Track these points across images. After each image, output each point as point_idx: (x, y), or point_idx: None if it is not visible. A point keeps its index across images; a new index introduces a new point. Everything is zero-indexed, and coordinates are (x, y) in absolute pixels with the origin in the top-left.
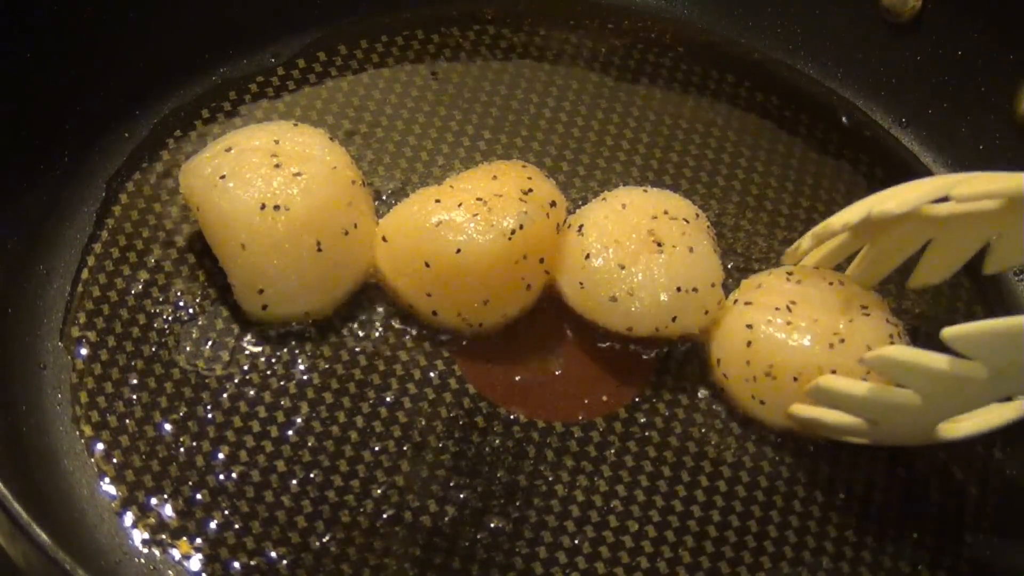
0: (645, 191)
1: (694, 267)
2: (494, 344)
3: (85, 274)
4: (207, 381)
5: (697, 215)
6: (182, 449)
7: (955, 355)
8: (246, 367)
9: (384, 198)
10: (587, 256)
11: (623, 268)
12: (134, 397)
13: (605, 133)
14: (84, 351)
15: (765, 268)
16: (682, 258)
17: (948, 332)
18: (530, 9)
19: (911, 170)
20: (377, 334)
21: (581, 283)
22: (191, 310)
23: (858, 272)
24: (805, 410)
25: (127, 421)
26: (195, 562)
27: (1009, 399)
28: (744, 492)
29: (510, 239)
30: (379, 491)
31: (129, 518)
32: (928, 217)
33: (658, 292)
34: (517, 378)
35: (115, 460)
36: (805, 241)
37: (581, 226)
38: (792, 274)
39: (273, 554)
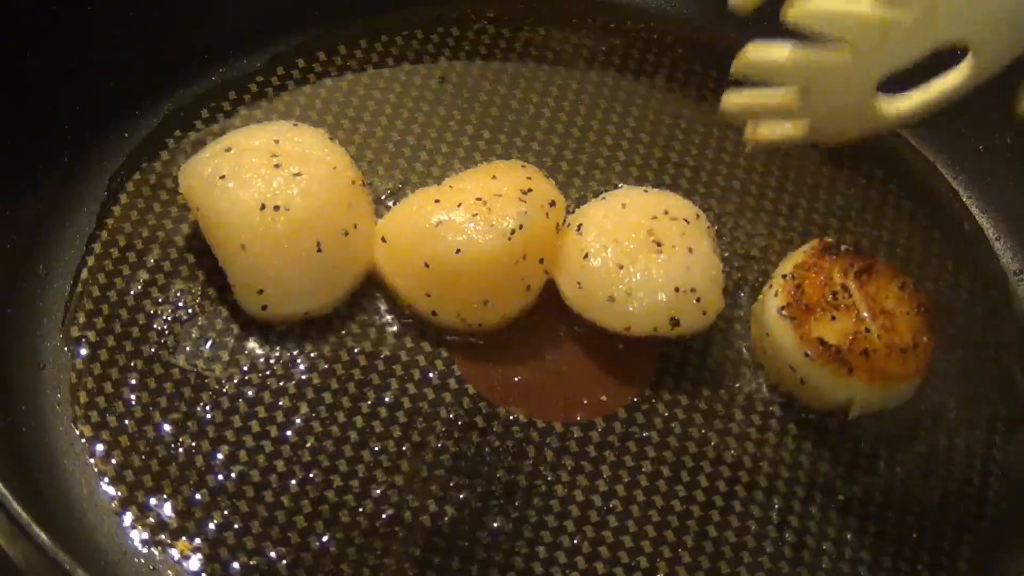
0: (645, 191)
1: (693, 268)
2: (494, 344)
3: (85, 274)
4: (207, 381)
5: (698, 215)
6: (181, 449)
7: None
8: (246, 367)
9: (384, 198)
10: (585, 255)
11: (621, 268)
12: (134, 397)
13: (605, 133)
14: (84, 351)
15: (765, 268)
16: (681, 258)
17: None
18: (530, 9)
19: (911, 170)
20: (377, 334)
21: (579, 283)
22: (191, 310)
23: None
24: (737, 97)
25: (127, 421)
26: (195, 562)
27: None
28: (744, 492)
29: (510, 239)
30: (379, 491)
31: (129, 518)
32: None
33: (656, 292)
34: (517, 378)
35: (115, 460)
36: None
37: (580, 225)
38: None
39: (273, 554)
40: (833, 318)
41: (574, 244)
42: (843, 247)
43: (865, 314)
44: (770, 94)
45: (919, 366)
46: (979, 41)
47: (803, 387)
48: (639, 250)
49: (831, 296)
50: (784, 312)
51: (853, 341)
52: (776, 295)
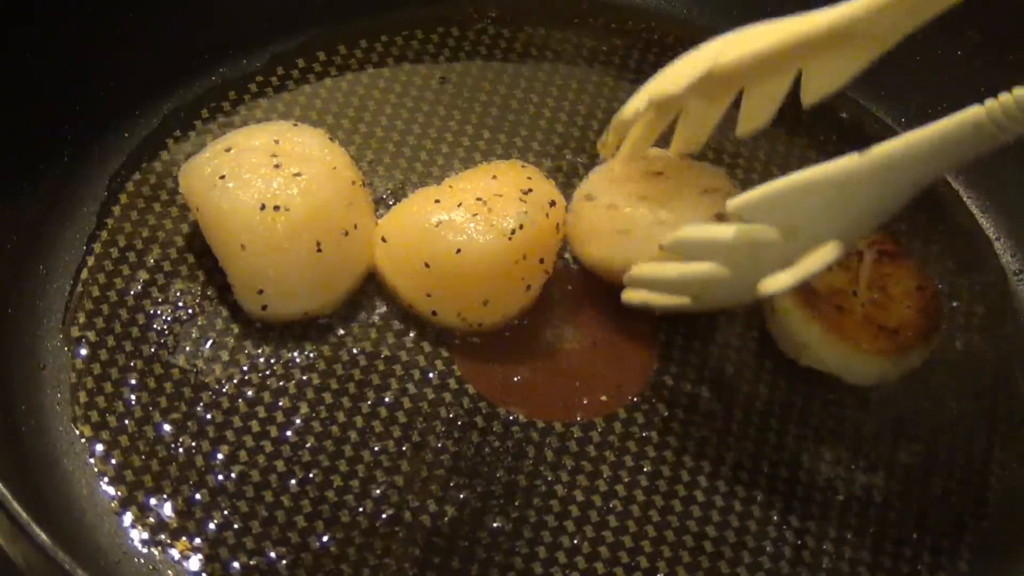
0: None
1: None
2: (494, 344)
3: (85, 274)
4: (207, 381)
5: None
6: (181, 449)
7: (743, 223)
8: (246, 367)
9: (384, 198)
10: (588, 197)
11: (629, 208)
12: (133, 397)
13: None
14: (84, 351)
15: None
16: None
17: (731, 203)
18: (530, 9)
19: None
20: (377, 334)
21: (619, 231)
22: (191, 310)
23: (680, 143)
24: (633, 296)
25: (126, 421)
26: (195, 562)
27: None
28: (744, 492)
29: (510, 239)
30: (379, 491)
31: (128, 518)
32: (724, 74)
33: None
34: (517, 378)
35: (114, 460)
36: (609, 136)
37: (588, 195)
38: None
39: (273, 554)
40: (830, 269)
41: (593, 211)
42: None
43: (862, 282)
44: (663, 298)
45: (888, 348)
46: (843, 238)
47: (773, 316)
48: (645, 194)
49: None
50: None
51: (834, 294)
52: None
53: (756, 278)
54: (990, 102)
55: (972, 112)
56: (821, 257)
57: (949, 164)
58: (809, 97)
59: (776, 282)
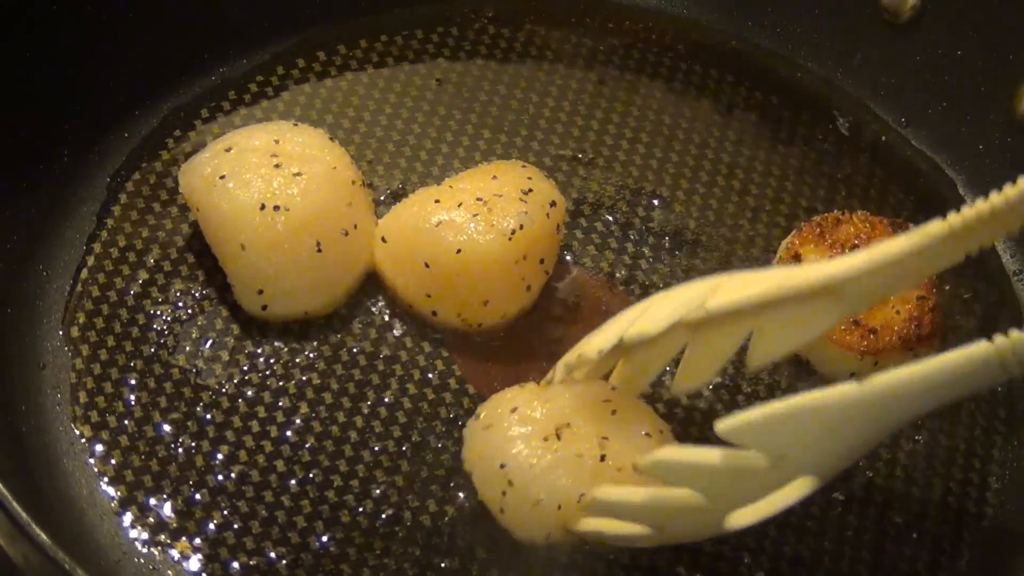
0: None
1: None
2: (494, 344)
3: (84, 274)
4: (207, 381)
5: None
6: (181, 449)
7: (730, 447)
8: (246, 367)
9: (384, 198)
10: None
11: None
12: (133, 397)
13: (605, 133)
14: (84, 351)
15: (763, 267)
16: None
17: (720, 425)
18: (530, 9)
19: (911, 170)
20: (377, 334)
21: None
22: (191, 310)
23: (620, 383)
24: (588, 524)
25: (126, 421)
26: (194, 562)
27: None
28: None
29: (510, 239)
30: (379, 491)
31: (128, 518)
32: (681, 325)
33: None
34: (517, 378)
35: (114, 460)
36: (558, 373)
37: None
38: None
39: (273, 554)
40: (832, 257)
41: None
42: (910, 226)
43: None
44: (622, 526)
45: (861, 347)
46: (820, 473)
47: None
48: None
49: (850, 246)
50: (797, 235)
51: None
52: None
53: (727, 509)
54: (999, 339)
55: (980, 348)
56: (792, 493)
57: (950, 398)
58: (757, 361)
59: (742, 518)
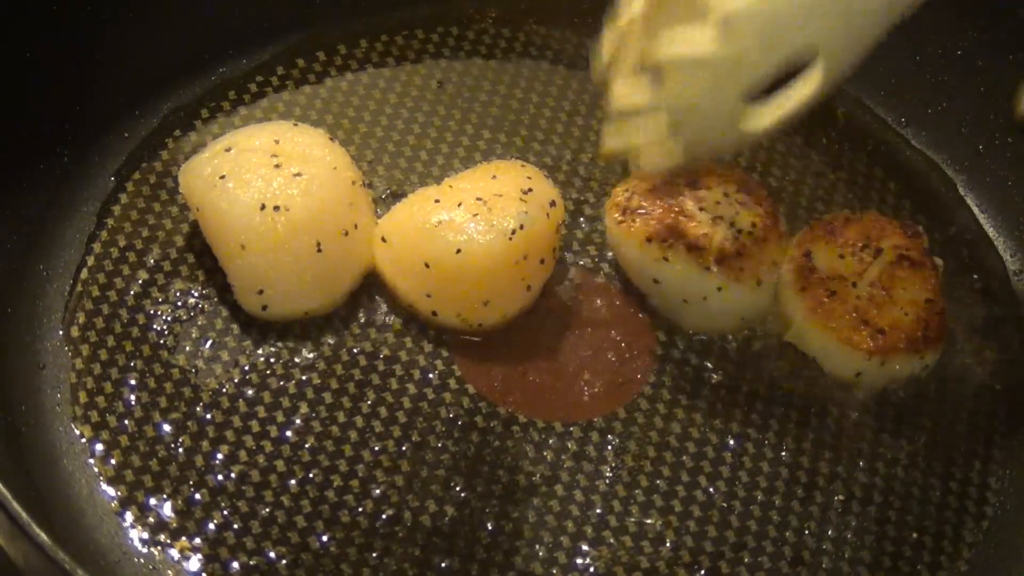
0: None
1: None
2: (494, 344)
3: (84, 274)
4: (207, 381)
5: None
6: (181, 449)
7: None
8: (246, 367)
9: (384, 198)
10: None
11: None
12: (133, 397)
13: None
14: (84, 351)
15: None
16: None
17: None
18: (530, 9)
19: (912, 170)
20: (377, 334)
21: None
22: (191, 310)
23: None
24: (613, 140)
25: (126, 421)
26: (194, 562)
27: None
28: (744, 492)
29: (510, 239)
30: (379, 491)
31: (128, 518)
32: None
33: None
34: (517, 378)
35: (114, 460)
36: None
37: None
38: None
39: (272, 554)
40: (842, 256)
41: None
42: (920, 229)
43: (867, 277)
44: (643, 129)
45: (869, 347)
46: (826, 46)
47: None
48: None
49: (861, 245)
50: (808, 232)
51: (833, 278)
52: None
53: (736, 102)
54: None
55: None
56: (807, 86)
57: None
58: None
59: (761, 117)
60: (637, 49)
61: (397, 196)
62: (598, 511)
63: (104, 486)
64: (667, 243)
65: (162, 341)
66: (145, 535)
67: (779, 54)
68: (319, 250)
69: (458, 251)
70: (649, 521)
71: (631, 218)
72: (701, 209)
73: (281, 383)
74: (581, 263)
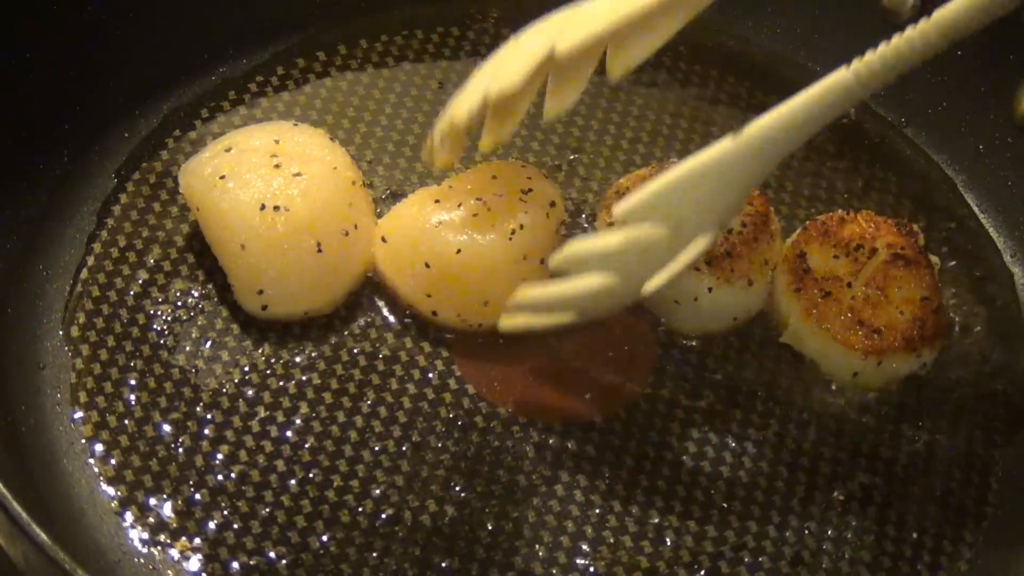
0: None
1: None
2: (494, 344)
3: (84, 274)
4: (207, 381)
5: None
6: (181, 449)
7: (630, 227)
8: (246, 367)
9: (384, 198)
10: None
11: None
12: (133, 397)
13: (605, 133)
14: (84, 351)
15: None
16: None
17: (616, 209)
18: (530, 9)
19: (911, 170)
20: (377, 334)
21: None
22: (191, 310)
23: (489, 138)
24: (512, 322)
25: (126, 421)
26: (194, 562)
27: None
28: (743, 492)
29: (510, 239)
30: (379, 491)
31: (128, 518)
32: (565, 61)
33: None
34: (517, 378)
35: (114, 460)
36: (436, 141)
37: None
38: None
39: (272, 554)
40: (836, 257)
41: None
42: (915, 227)
43: (862, 277)
44: (546, 318)
45: (865, 347)
46: (722, 218)
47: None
48: None
49: (855, 245)
50: (802, 233)
51: (828, 279)
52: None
53: (642, 280)
54: (856, 63)
55: (840, 75)
56: (695, 248)
57: (818, 128)
58: (618, 71)
59: (655, 282)
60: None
61: (397, 196)
62: (598, 511)
63: (104, 486)
64: None
65: (162, 341)
66: (145, 535)
67: (681, 243)
68: (319, 250)
69: (458, 251)
70: (649, 521)
71: None
72: None
73: (281, 383)
74: None
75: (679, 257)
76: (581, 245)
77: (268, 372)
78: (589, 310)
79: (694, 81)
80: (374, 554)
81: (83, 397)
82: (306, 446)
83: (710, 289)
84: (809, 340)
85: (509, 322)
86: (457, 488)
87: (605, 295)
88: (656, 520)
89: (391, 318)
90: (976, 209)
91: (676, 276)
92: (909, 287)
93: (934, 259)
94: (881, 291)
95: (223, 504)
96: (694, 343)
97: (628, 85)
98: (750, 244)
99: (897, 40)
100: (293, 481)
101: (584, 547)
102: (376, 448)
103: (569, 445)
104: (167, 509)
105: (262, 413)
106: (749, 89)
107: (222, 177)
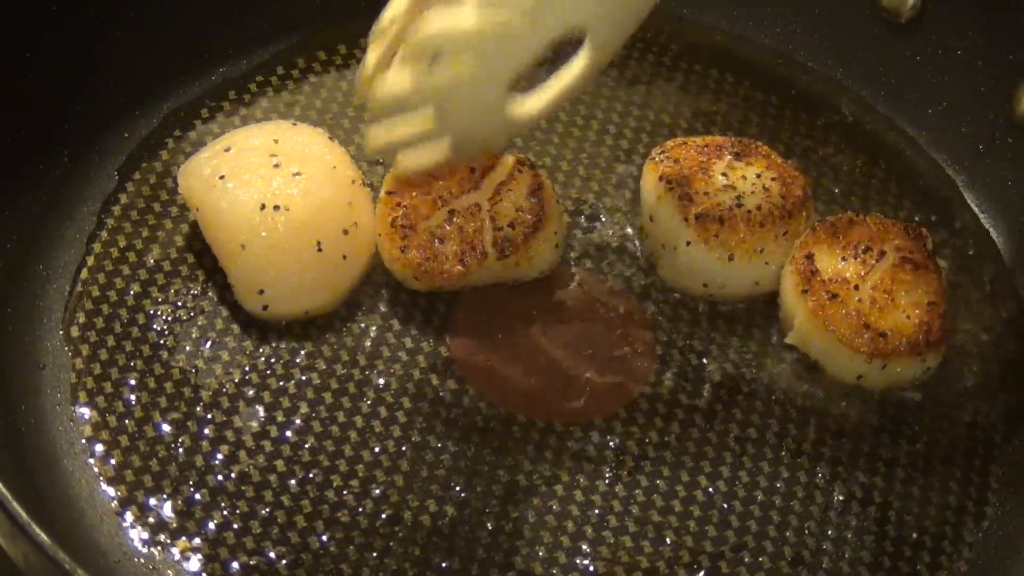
0: None
1: None
2: (494, 344)
3: (84, 274)
4: (207, 381)
5: None
6: (181, 449)
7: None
8: (246, 367)
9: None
10: None
11: None
12: (133, 397)
13: (605, 132)
14: (84, 351)
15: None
16: None
17: None
18: None
19: (911, 170)
20: (377, 334)
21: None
22: (191, 310)
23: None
24: (377, 135)
25: (126, 421)
26: (194, 562)
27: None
28: (743, 492)
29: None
30: (379, 491)
31: (128, 518)
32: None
33: None
34: (517, 378)
35: (114, 460)
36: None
37: None
38: None
39: (272, 554)
40: (844, 259)
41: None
42: (924, 231)
43: (869, 280)
44: (407, 122)
45: (870, 350)
46: (594, 26)
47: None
48: None
49: (863, 248)
50: (810, 235)
51: (836, 281)
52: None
53: (502, 80)
54: None
55: None
56: (574, 69)
57: None
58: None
59: (527, 105)
60: (400, 41)
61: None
62: (598, 511)
63: (104, 486)
64: (670, 185)
65: (162, 341)
66: (145, 535)
67: (544, 32)
68: (319, 249)
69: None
70: (649, 521)
71: (661, 159)
72: (723, 175)
73: (281, 383)
74: (582, 264)
75: (551, 84)
76: (436, 21)
77: (268, 372)
78: (452, 118)
79: (694, 81)
80: (374, 554)
81: (83, 397)
82: (306, 446)
83: (688, 243)
84: (814, 341)
85: (374, 140)
86: (457, 488)
87: (466, 90)
88: (656, 520)
89: (391, 318)
90: (976, 209)
91: (557, 104)
92: (917, 291)
93: (942, 263)
94: (888, 294)
95: (223, 504)
96: (694, 343)
97: (628, 85)
98: (751, 226)
99: None
100: (293, 481)
101: (584, 547)
102: (376, 448)
103: (569, 445)
104: (167, 509)
105: (262, 413)
106: (749, 89)
107: (221, 177)
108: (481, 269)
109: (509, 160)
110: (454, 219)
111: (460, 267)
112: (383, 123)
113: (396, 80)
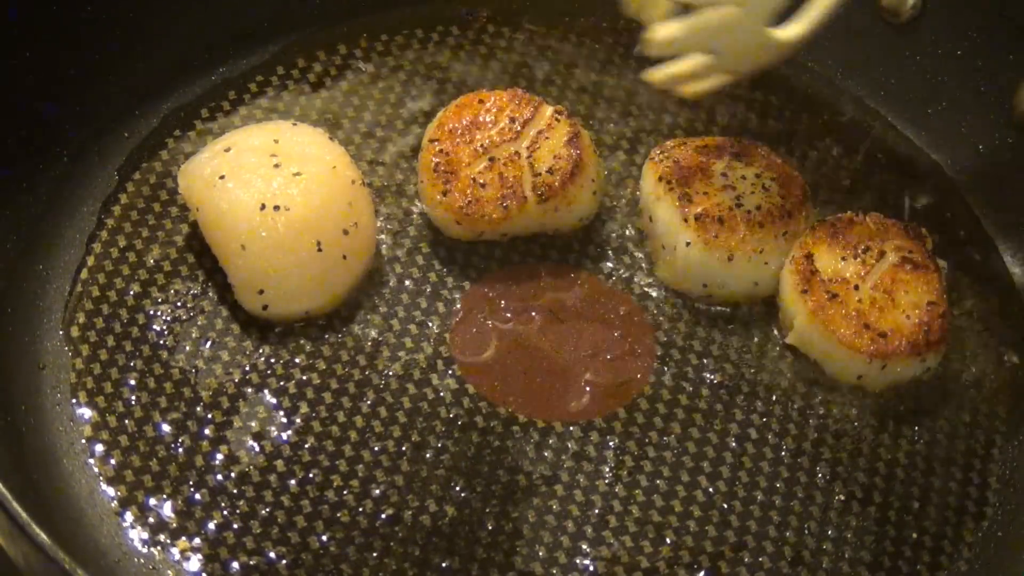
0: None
1: None
2: (494, 344)
3: (84, 274)
4: (207, 381)
5: None
6: (181, 449)
7: None
8: (246, 367)
9: (384, 197)
10: None
11: None
12: (134, 397)
13: (605, 132)
14: (84, 351)
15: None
16: None
17: None
18: (529, 8)
19: (911, 169)
20: (377, 334)
21: None
22: (191, 310)
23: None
24: (658, 73)
25: (126, 421)
26: (194, 562)
27: None
28: (743, 492)
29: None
30: (379, 491)
31: (128, 518)
32: None
33: None
34: (517, 378)
35: (114, 460)
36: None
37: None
38: None
39: (272, 554)
40: (844, 259)
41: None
42: (923, 231)
43: (869, 280)
44: (685, 62)
45: (870, 350)
46: None
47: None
48: None
49: (863, 248)
50: (811, 234)
51: (836, 281)
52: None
53: (765, 23)
54: None
55: None
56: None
57: None
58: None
59: (793, 29)
60: None
61: (397, 195)
62: (598, 511)
63: (104, 486)
64: (669, 185)
65: (162, 341)
66: (145, 535)
67: None
68: (319, 250)
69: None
70: (649, 521)
71: (661, 159)
72: (723, 175)
73: (281, 383)
74: (586, 266)
75: (810, 10)
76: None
77: (268, 372)
78: (723, 52)
79: None
80: (374, 554)
81: (83, 397)
82: (306, 446)
83: (688, 243)
84: (814, 342)
85: (656, 75)
86: (457, 488)
87: (734, 27)
88: (656, 520)
89: (391, 318)
90: (976, 209)
91: (818, 26)
92: (916, 291)
93: (941, 263)
94: (888, 294)
95: (223, 504)
96: (694, 343)
97: (628, 85)
98: (750, 226)
99: None
100: (293, 481)
101: (584, 547)
102: (376, 448)
103: (569, 445)
104: (167, 509)
105: (262, 413)
106: (749, 89)
107: (222, 177)
108: (521, 214)
109: (547, 110)
110: (494, 166)
111: (501, 210)
112: (661, 65)
113: (668, 32)
